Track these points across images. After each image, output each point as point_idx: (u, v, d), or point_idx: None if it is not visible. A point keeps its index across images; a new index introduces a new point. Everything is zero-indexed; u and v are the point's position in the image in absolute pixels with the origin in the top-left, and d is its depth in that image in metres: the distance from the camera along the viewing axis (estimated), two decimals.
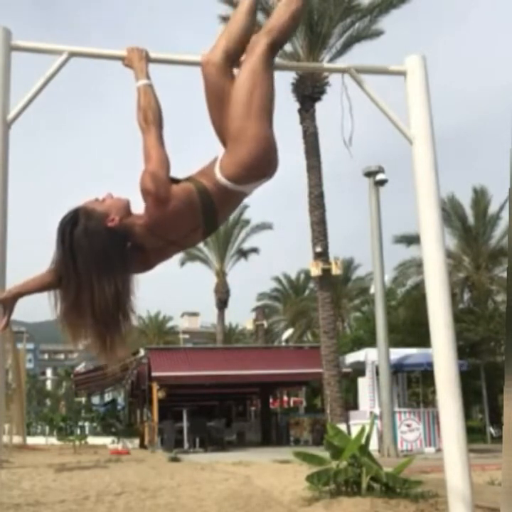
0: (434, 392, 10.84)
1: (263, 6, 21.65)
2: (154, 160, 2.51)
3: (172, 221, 2.49)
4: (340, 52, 21.79)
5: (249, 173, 2.62)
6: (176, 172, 2.58)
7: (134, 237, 2.51)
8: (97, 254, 2.38)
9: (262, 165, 2.64)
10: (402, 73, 3.26)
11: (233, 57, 2.79)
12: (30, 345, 75.57)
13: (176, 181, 2.57)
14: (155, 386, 23.24)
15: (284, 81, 21.05)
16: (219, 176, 2.59)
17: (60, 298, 2.47)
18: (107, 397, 39.78)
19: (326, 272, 20.99)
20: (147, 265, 2.64)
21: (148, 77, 2.75)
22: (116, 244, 2.44)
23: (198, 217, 2.55)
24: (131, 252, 2.58)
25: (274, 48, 2.74)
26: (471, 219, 28.23)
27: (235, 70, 2.78)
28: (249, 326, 42.31)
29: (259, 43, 2.71)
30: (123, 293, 2.43)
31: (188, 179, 2.60)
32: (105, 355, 2.50)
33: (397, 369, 18.80)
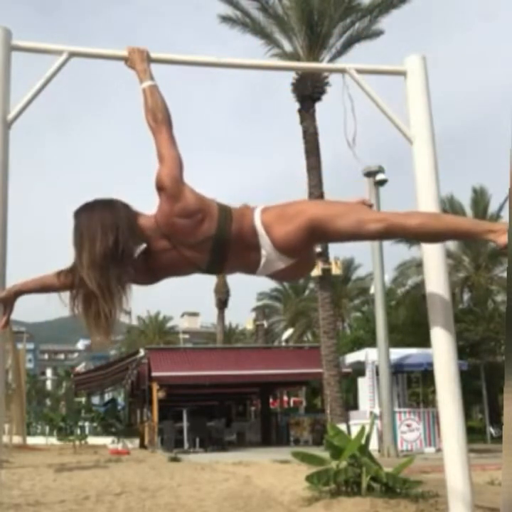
0: (434, 392, 10.83)
1: (263, 5, 21.79)
2: (168, 159, 2.55)
3: (178, 219, 2.50)
4: (340, 52, 21.80)
5: (280, 231, 2.58)
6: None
7: (141, 228, 2.56)
8: (109, 218, 2.48)
9: (294, 236, 2.58)
10: (402, 73, 3.26)
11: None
12: (30, 345, 75.67)
13: None
14: (155, 386, 23.26)
15: (284, 81, 21.06)
16: (256, 211, 2.62)
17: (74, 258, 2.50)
18: (107, 397, 39.77)
19: (326, 271, 20.99)
20: (147, 270, 2.63)
21: (152, 77, 2.77)
22: (130, 222, 2.51)
23: (206, 233, 2.54)
24: (138, 259, 2.59)
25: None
26: None
27: None
28: (249, 326, 42.36)
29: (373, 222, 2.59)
30: (123, 247, 2.45)
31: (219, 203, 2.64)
32: (96, 327, 2.48)
33: (397, 369, 18.78)
